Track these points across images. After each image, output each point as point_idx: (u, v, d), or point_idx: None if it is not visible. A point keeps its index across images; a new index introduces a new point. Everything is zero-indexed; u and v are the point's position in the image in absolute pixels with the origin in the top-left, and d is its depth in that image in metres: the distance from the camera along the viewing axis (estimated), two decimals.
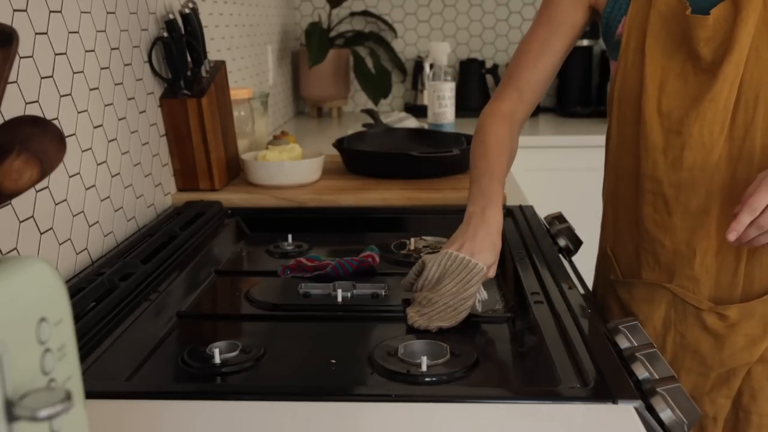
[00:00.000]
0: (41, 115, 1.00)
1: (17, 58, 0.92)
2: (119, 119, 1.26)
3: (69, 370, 0.47)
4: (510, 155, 1.15)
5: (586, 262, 1.28)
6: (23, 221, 0.95)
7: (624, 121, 1.10)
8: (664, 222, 1.08)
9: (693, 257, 1.06)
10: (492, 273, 1.01)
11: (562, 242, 1.27)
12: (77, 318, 0.89)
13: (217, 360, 0.87)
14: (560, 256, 1.19)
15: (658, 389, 0.73)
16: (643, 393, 0.74)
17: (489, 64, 3.15)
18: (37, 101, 0.99)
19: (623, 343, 0.84)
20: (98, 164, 1.17)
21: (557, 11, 1.14)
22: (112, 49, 1.23)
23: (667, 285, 1.09)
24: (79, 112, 1.11)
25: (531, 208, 1.45)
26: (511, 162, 1.17)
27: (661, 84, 1.05)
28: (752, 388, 1.06)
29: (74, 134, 1.10)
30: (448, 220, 1.46)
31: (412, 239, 1.34)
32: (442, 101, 2.12)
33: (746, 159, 1.00)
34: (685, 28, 1.02)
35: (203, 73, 1.52)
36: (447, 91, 2.13)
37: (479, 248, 0.98)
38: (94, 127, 1.17)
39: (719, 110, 1.00)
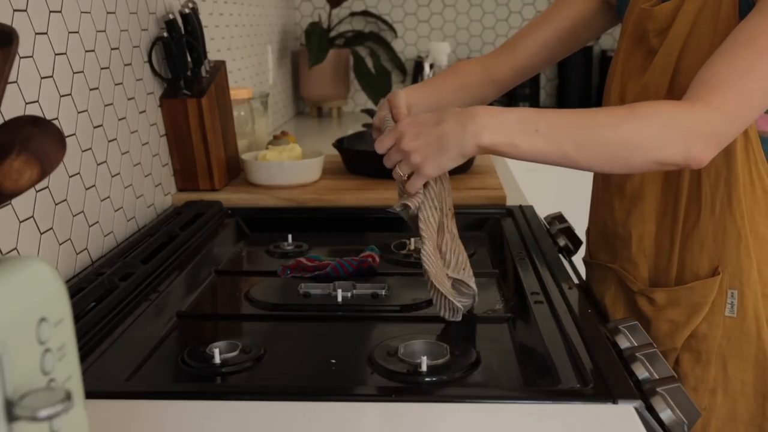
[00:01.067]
0: (41, 115, 1.00)
1: (17, 58, 0.92)
2: (119, 119, 1.26)
3: (69, 370, 0.47)
4: (462, 83, 1.18)
5: None
6: (23, 221, 0.95)
7: None
8: (606, 203, 1.13)
9: (629, 239, 1.09)
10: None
11: (562, 242, 1.27)
12: (77, 318, 0.89)
13: (217, 360, 0.87)
14: (560, 256, 1.19)
15: (658, 389, 0.73)
16: (643, 393, 0.74)
17: None
18: (37, 101, 0.99)
19: (623, 343, 0.84)
20: (98, 164, 1.17)
21: None
22: (112, 49, 1.23)
23: (611, 265, 1.13)
24: (79, 112, 1.11)
25: (531, 208, 1.45)
26: (467, 94, 1.19)
27: (624, 79, 1.08)
28: (680, 375, 1.05)
29: (74, 134, 1.10)
30: None
31: (412, 239, 1.34)
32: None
33: None
34: (643, 21, 1.05)
35: (203, 73, 1.52)
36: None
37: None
38: (94, 127, 1.17)
39: (650, 96, 1.02)
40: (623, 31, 1.12)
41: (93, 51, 1.16)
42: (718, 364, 1.01)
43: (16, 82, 0.94)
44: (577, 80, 3.07)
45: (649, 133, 0.85)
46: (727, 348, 1.01)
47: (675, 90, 1.00)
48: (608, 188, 1.13)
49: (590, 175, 1.18)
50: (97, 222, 1.17)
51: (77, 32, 1.11)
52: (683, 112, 0.85)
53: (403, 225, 1.47)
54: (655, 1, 1.05)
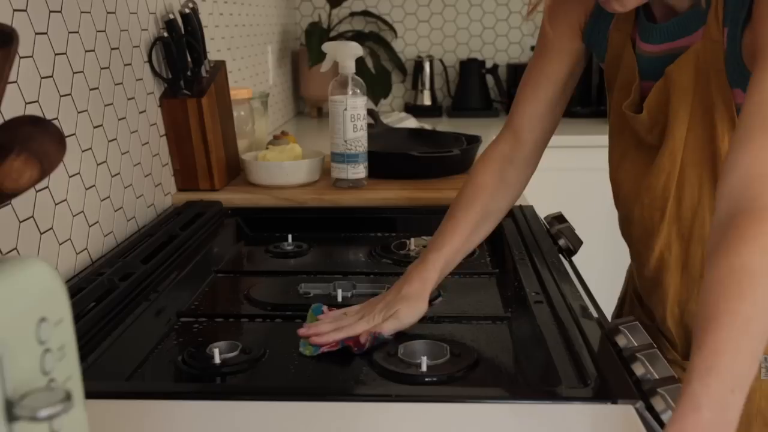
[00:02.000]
0: (41, 115, 1.00)
1: (17, 58, 0.92)
2: (119, 119, 1.26)
3: (69, 370, 0.47)
4: (488, 204, 1.07)
5: (586, 262, 1.28)
6: (23, 221, 0.95)
7: None
8: (634, 271, 1.11)
9: (653, 316, 1.07)
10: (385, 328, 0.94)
11: (562, 242, 1.27)
12: (77, 318, 0.89)
13: (217, 360, 0.87)
14: (560, 256, 1.19)
15: (658, 389, 0.73)
16: (643, 393, 0.74)
17: (489, 64, 3.15)
18: (37, 101, 0.99)
19: (623, 343, 0.84)
20: (98, 164, 1.17)
21: (552, 39, 1.08)
22: (112, 49, 1.23)
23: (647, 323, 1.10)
24: (79, 112, 1.11)
25: (531, 208, 1.45)
26: (496, 212, 1.09)
27: (624, 151, 1.06)
28: None
29: (74, 134, 1.10)
30: None
31: (412, 239, 1.34)
32: (356, 122, 1.52)
33: (698, 239, 0.98)
34: (629, 122, 1.02)
35: (203, 73, 1.52)
36: (361, 108, 1.53)
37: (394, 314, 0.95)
38: (94, 127, 1.17)
39: (657, 198, 0.99)
40: (608, 91, 1.08)
41: (93, 51, 1.16)
42: (759, 423, 1.00)
43: (16, 82, 0.94)
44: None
45: None
46: (767, 408, 1.00)
47: (685, 184, 0.97)
48: (632, 259, 1.10)
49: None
50: (97, 222, 1.17)
51: (77, 32, 1.11)
52: None
53: (403, 225, 1.48)
54: (633, 98, 1.00)
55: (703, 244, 0.98)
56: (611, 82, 1.07)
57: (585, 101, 3.06)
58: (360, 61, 2.81)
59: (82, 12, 1.13)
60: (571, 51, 1.08)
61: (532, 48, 1.05)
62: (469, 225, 1.04)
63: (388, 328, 0.93)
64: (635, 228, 1.05)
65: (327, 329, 0.94)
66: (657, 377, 0.76)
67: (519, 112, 1.10)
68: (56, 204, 1.04)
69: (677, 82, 0.94)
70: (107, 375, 0.84)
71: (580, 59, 1.09)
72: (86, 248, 1.13)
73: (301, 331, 0.94)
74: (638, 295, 1.15)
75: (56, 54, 1.05)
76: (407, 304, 0.95)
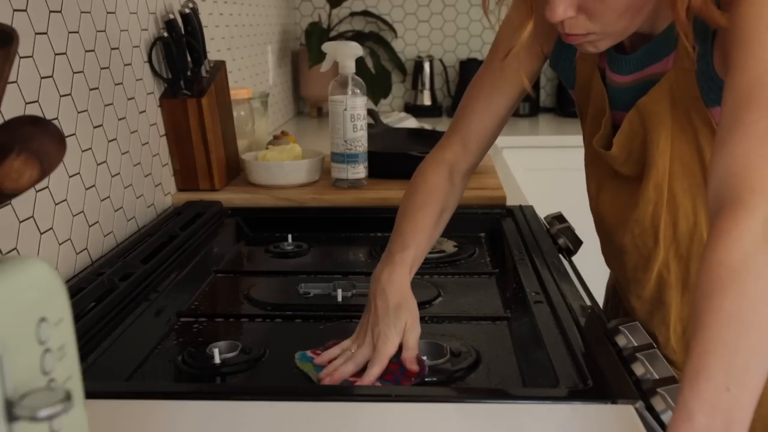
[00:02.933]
0: (41, 115, 1.00)
1: (17, 58, 0.92)
2: (119, 119, 1.26)
3: (69, 370, 0.47)
4: (444, 204, 1.04)
5: (586, 262, 1.28)
6: (23, 221, 0.95)
7: None
8: (625, 298, 1.09)
9: (655, 338, 1.04)
10: (415, 333, 0.90)
11: (562, 242, 1.27)
12: (77, 318, 0.89)
13: (217, 360, 0.87)
14: (560, 256, 1.19)
15: (657, 389, 0.73)
16: (643, 393, 0.74)
17: None
18: (37, 101, 0.99)
19: (623, 343, 0.84)
20: (98, 164, 1.17)
21: (508, 57, 1.02)
22: (112, 49, 1.23)
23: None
24: (79, 112, 1.11)
25: (531, 208, 1.45)
26: (448, 212, 1.06)
27: (601, 182, 1.04)
28: None
29: (74, 134, 1.10)
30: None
31: None
32: (356, 122, 1.54)
33: (697, 257, 0.96)
34: (603, 157, 1.00)
35: (203, 73, 1.52)
36: (361, 108, 1.55)
37: (384, 326, 0.89)
38: (94, 127, 1.17)
39: (647, 228, 0.98)
40: (580, 118, 1.06)
41: (93, 51, 1.16)
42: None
43: (16, 82, 0.94)
44: None
45: None
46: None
47: (680, 211, 0.95)
48: (624, 284, 1.07)
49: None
50: (97, 222, 1.17)
51: (77, 32, 1.11)
52: (760, 230, 0.66)
53: None
54: (603, 131, 0.99)
55: None
56: (582, 110, 1.06)
57: None
58: (360, 61, 2.81)
59: (82, 12, 1.13)
60: (528, 70, 1.05)
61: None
62: (429, 224, 1.01)
63: (415, 339, 0.88)
64: (629, 256, 1.03)
65: (348, 370, 0.86)
66: (657, 377, 0.76)
67: (468, 125, 1.08)
68: (56, 204, 1.04)
69: (653, 113, 0.92)
70: (107, 375, 0.84)
71: (534, 77, 1.08)
72: (86, 248, 1.13)
73: (326, 381, 0.86)
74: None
75: (56, 54, 1.05)
76: (409, 312, 0.91)
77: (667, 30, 0.89)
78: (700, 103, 0.88)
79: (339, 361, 0.88)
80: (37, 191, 0.99)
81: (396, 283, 0.92)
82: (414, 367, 0.85)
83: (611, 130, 0.99)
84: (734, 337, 0.61)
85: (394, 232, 1.00)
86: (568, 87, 1.08)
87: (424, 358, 0.86)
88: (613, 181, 1.02)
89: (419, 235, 0.99)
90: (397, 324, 0.88)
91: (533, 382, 0.86)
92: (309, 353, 0.90)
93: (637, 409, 0.71)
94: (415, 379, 0.84)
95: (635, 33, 0.90)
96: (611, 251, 1.08)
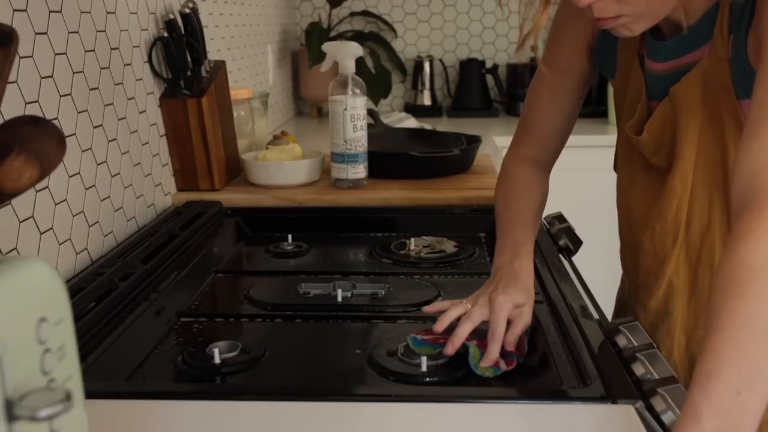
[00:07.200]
0: (41, 115, 1.00)
1: (17, 58, 0.92)
2: (119, 119, 1.26)
3: (69, 370, 0.47)
4: (540, 196, 1.10)
5: (586, 262, 1.28)
6: (23, 221, 0.95)
7: None
8: (631, 309, 1.09)
9: (659, 350, 1.04)
10: (526, 318, 0.89)
11: (562, 242, 1.27)
12: (77, 318, 0.89)
13: (217, 360, 0.87)
14: (560, 256, 1.19)
15: (658, 389, 0.73)
16: (643, 393, 0.74)
17: (489, 64, 3.15)
18: (37, 101, 0.99)
19: (623, 343, 0.84)
20: (98, 164, 1.17)
21: (562, 57, 1.09)
22: (112, 49, 1.23)
23: None
24: (79, 112, 1.11)
25: None
26: (543, 204, 1.11)
27: (632, 175, 1.04)
28: None
29: (74, 134, 1.10)
30: (448, 220, 1.46)
31: (412, 239, 1.34)
32: (356, 122, 1.53)
33: (706, 264, 0.96)
34: (634, 143, 1.01)
35: (203, 73, 1.52)
36: (361, 108, 1.54)
37: (504, 290, 0.89)
38: (94, 127, 1.17)
39: (668, 223, 0.97)
40: (617, 112, 1.07)
41: (93, 51, 1.16)
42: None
43: (16, 82, 0.94)
44: None
45: None
46: None
47: (695, 206, 0.95)
48: (633, 290, 1.07)
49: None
50: (97, 222, 1.17)
51: (77, 32, 1.11)
52: None
53: (403, 225, 1.48)
54: (637, 117, 0.99)
55: (711, 270, 0.95)
56: (620, 102, 1.06)
57: (585, 101, 3.04)
58: (360, 61, 2.81)
59: (82, 12, 1.13)
60: (582, 69, 1.10)
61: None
62: (532, 215, 1.06)
63: (523, 326, 0.88)
64: (644, 258, 1.01)
65: (467, 329, 0.86)
66: (657, 377, 0.76)
67: (537, 123, 1.13)
68: (56, 204, 1.04)
69: (684, 102, 0.92)
70: (107, 375, 0.84)
71: (591, 75, 1.11)
72: (86, 248, 1.13)
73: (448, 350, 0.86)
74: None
75: (56, 54, 1.05)
76: (530, 300, 0.91)
77: (704, 18, 0.89)
78: (731, 95, 0.88)
79: (466, 327, 0.86)
80: (37, 191, 0.99)
81: (526, 273, 0.94)
82: (512, 348, 0.86)
83: (645, 116, 0.99)
84: (749, 340, 0.60)
85: (504, 223, 1.03)
86: (608, 76, 1.09)
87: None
88: (645, 175, 1.02)
89: (531, 229, 1.03)
90: (518, 298, 0.88)
91: (533, 382, 0.86)
92: (420, 337, 0.90)
93: (637, 409, 0.71)
94: (510, 360, 0.85)
95: (675, 22, 0.90)
96: (628, 252, 1.08)
